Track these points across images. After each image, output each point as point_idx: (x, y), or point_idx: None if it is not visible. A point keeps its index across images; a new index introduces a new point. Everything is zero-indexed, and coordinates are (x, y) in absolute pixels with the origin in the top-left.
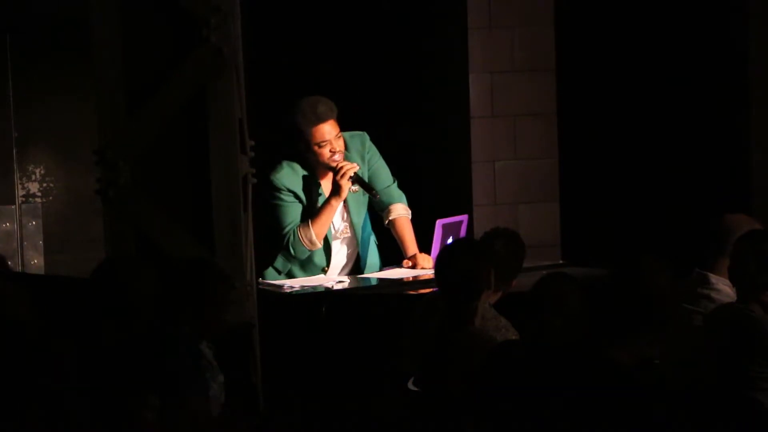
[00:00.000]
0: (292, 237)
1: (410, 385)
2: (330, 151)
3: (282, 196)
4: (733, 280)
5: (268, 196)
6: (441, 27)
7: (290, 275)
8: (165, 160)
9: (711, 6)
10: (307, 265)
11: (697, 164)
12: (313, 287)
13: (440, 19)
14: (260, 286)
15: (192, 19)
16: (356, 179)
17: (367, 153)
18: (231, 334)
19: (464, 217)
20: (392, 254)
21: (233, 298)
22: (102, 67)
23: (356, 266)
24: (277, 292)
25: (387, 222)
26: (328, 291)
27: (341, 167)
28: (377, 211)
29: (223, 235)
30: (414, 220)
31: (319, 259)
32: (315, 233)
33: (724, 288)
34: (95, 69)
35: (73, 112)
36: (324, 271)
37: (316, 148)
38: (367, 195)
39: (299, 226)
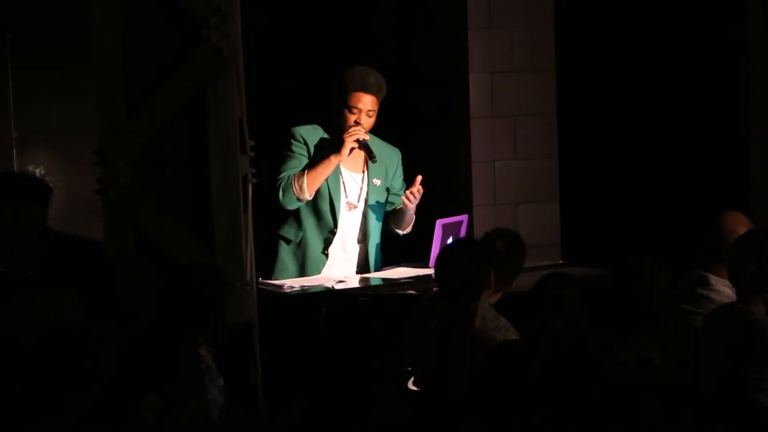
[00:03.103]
0: (284, 181)
1: (410, 385)
2: (356, 121)
3: (293, 147)
4: (733, 281)
5: (282, 146)
6: (441, 27)
7: (303, 242)
8: (165, 160)
9: (711, 6)
10: (319, 225)
11: (697, 164)
12: (313, 287)
13: (440, 19)
14: (260, 286)
15: (192, 19)
16: (363, 144)
17: (396, 168)
18: (231, 334)
19: (464, 217)
20: (391, 255)
21: (233, 299)
22: (102, 67)
23: (365, 262)
24: (277, 292)
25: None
26: (328, 291)
27: (353, 130)
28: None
29: (223, 235)
30: (414, 220)
31: (328, 217)
32: (307, 181)
33: (723, 289)
34: (95, 69)
35: (73, 112)
36: (333, 233)
37: (346, 110)
38: (384, 206)
39: (295, 173)
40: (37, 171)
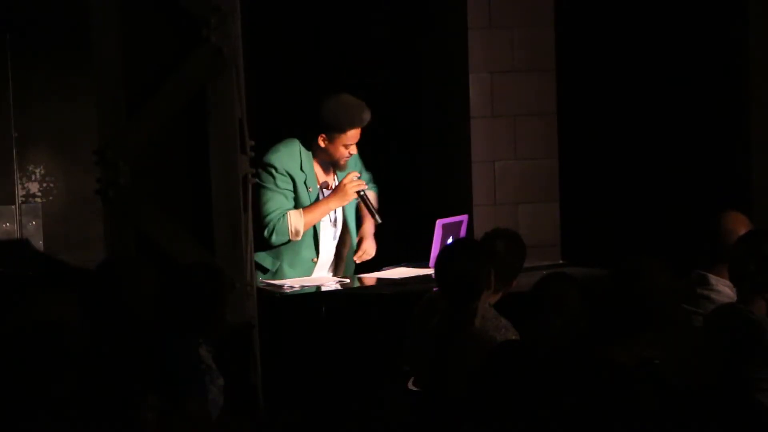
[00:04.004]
0: (279, 222)
1: (410, 385)
2: (348, 153)
3: (278, 182)
4: (733, 281)
5: (260, 177)
6: (441, 27)
7: (279, 273)
8: (165, 160)
9: (711, 6)
10: (295, 259)
11: (697, 164)
12: (313, 287)
13: (440, 19)
14: (260, 286)
15: (192, 19)
16: (363, 197)
17: (355, 165)
18: (231, 334)
19: (464, 217)
20: (391, 255)
21: (233, 299)
22: (102, 67)
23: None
24: (277, 292)
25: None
26: (328, 291)
27: (355, 179)
28: None
29: (223, 235)
30: (414, 220)
31: (307, 251)
32: (304, 225)
33: (723, 289)
34: (95, 69)
35: (73, 112)
36: (313, 262)
37: (341, 146)
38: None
39: (290, 211)
40: (37, 171)
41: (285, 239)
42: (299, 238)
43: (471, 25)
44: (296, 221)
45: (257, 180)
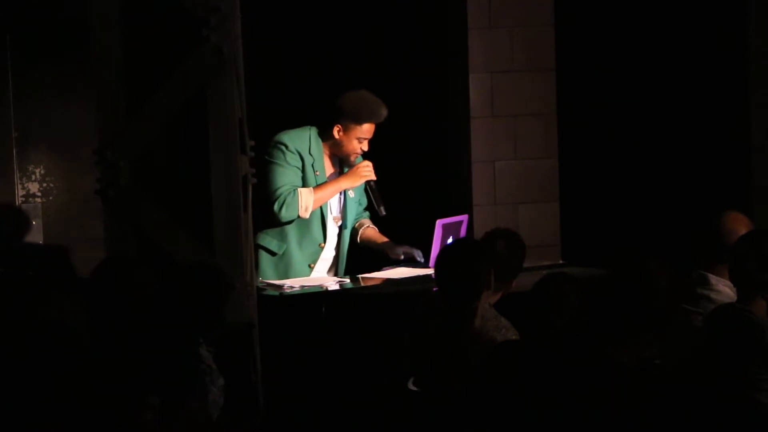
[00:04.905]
0: (288, 195)
1: (410, 385)
2: (361, 149)
3: (288, 158)
4: (734, 281)
5: (270, 154)
6: (441, 27)
7: (286, 255)
8: (165, 160)
9: (711, 6)
10: (303, 239)
11: (697, 164)
12: (313, 287)
13: (440, 19)
14: (260, 286)
15: (192, 19)
16: (371, 186)
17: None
18: (231, 334)
19: (464, 217)
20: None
21: (233, 299)
22: (102, 67)
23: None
24: (277, 292)
25: (360, 232)
26: (328, 291)
27: (369, 167)
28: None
29: (223, 235)
30: (414, 220)
31: (317, 232)
32: (314, 202)
33: (724, 289)
34: (95, 69)
35: (73, 112)
36: (320, 247)
37: (355, 139)
38: (354, 218)
39: (300, 188)
40: (37, 171)
41: (294, 215)
42: (307, 216)
43: (471, 25)
44: (306, 198)
45: (266, 157)
